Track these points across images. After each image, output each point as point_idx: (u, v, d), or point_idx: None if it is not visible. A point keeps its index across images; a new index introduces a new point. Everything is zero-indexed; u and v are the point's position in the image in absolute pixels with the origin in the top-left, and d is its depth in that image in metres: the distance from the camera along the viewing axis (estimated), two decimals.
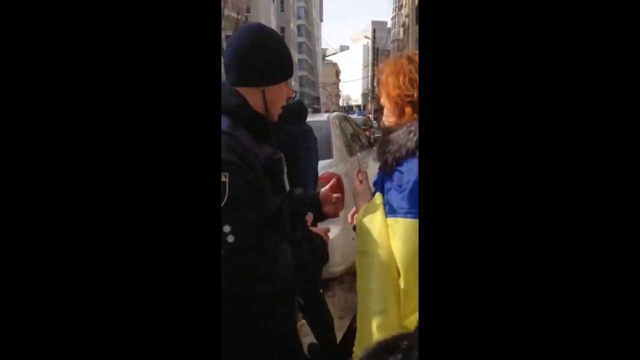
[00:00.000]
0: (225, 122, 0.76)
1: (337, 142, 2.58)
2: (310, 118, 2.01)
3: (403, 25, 25.64)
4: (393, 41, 33.60)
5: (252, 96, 0.79)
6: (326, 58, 62.76)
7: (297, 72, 37.51)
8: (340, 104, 54.87)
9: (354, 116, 8.37)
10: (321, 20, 64.51)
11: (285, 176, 0.86)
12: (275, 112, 0.84)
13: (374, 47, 34.53)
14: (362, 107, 47.30)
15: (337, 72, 62.19)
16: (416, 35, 13.01)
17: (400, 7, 29.35)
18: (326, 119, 2.81)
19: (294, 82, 32.60)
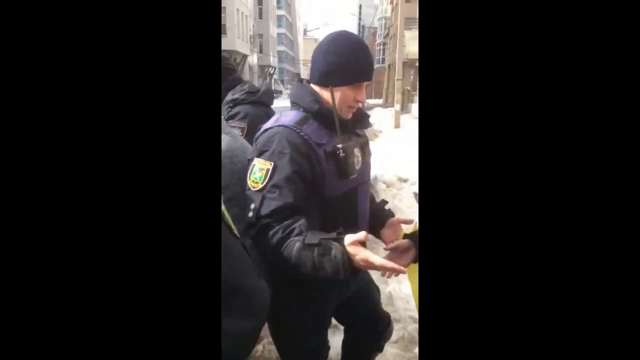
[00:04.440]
0: (298, 116, 0.95)
1: None
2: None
3: (391, 2, 24.58)
4: (380, 18, 32.49)
5: (322, 94, 0.96)
6: (308, 33, 60.78)
7: (276, 47, 35.85)
8: None
9: None
10: None
11: (349, 164, 0.94)
12: (341, 112, 0.96)
13: (359, 24, 33.33)
14: None
15: None
16: (405, 14, 12.35)
17: None
18: None
19: (272, 58, 31.03)
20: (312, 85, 0.98)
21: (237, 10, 19.94)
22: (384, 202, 1.15)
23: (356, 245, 0.77)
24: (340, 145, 0.91)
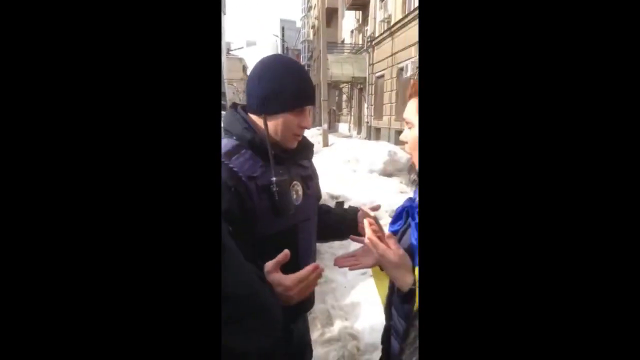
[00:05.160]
0: (229, 145, 0.87)
1: None
2: None
3: (313, 26, 25.65)
4: (303, 41, 33.60)
5: (259, 122, 0.88)
6: (231, 52, 60.30)
7: None
8: None
9: None
10: (224, 13, 61.72)
11: (284, 200, 0.85)
12: (285, 140, 0.89)
13: (283, 46, 34.03)
14: None
15: (244, 68, 60.25)
16: (327, 38, 12.96)
17: (309, 9, 29.37)
18: None
19: None
20: (250, 114, 0.90)
21: None
22: (340, 203, 1.09)
23: (274, 272, 0.70)
24: (274, 179, 0.83)
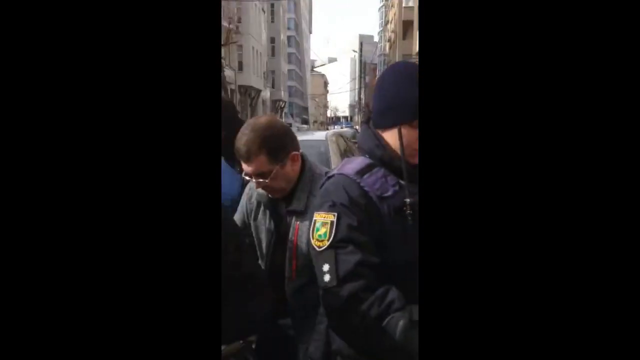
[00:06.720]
0: (362, 163, 0.82)
1: (334, 159, 2.91)
2: (310, 137, 2.79)
3: (389, 40, 26.29)
4: (380, 55, 34.18)
5: (388, 137, 0.82)
6: (315, 69, 63.48)
7: (287, 82, 37.82)
8: (328, 115, 55.96)
9: (342, 127, 8.90)
10: (310, 32, 65.46)
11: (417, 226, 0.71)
12: (407, 156, 0.79)
13: (360, 60, 35.08)
14: (349, 119, 48.28)
15: (325, 84, 62.80)
16: (402, 51, 13.50)
17: (387, 22, 30.10)
18: (324, 137, 3.35)
19: (283, 92, 32.74)
20: (378, 130, 0.84)
21: (253, 48, 21.59)
22: None
23: None
24: (408, 200, 0.74)
